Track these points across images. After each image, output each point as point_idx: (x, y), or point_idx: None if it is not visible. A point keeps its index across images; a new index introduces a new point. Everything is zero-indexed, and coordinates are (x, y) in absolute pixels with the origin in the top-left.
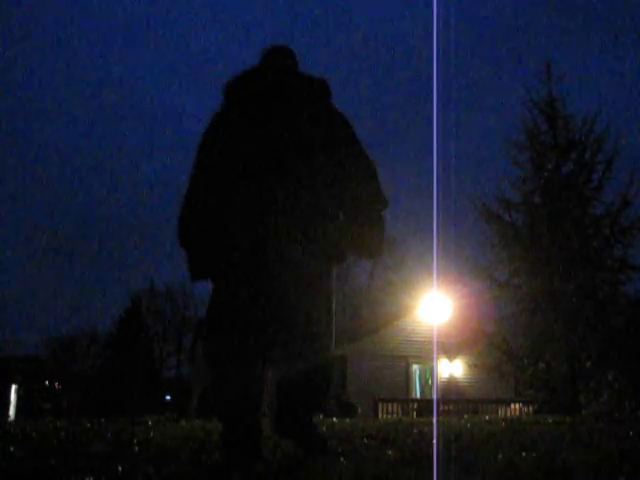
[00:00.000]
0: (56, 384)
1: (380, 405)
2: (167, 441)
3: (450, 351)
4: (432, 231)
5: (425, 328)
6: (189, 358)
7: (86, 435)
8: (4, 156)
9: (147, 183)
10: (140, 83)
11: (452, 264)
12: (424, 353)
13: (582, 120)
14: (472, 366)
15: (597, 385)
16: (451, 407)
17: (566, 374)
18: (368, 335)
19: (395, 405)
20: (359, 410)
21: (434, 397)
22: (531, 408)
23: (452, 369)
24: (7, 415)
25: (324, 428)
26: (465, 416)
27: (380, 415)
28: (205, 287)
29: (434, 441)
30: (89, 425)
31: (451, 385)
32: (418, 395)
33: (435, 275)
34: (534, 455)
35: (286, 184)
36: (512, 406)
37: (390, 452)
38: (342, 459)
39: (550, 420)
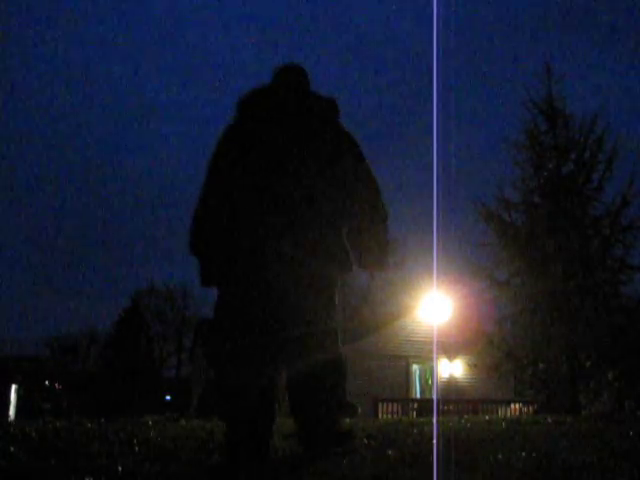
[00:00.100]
0: (56, 384)
1: (380, 405)
2: (167, 441)
3: (450, 351)
4: (432, 231)
5: (425, 328)
6: (189, 358)
7: (86, 435)
8: (4, 156)
9: (147, 183)
10: (144, 82)
11: (452, 264)
12: (424, 353)
13: (582, 120)
14: (472, 366)
15: (597, 385)
16: (451, 407)
17: (566, 374)
18: (368, 335)
19: (395, 405)
20: (359, 410)
21: (434, 397)
22: (531, 408)
23: (452, 369)
24: (7, 415)
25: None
26: (465, 416)
27: (380, 415)
28: (206, 288)
29: (434, 441)
30: (89, 425)
31: (451, 385)
32: (418, 395)
33: (435, 275)
34: (534, 455)
35: (294, 198)
36: (512, 406)
37: (390, 452)
38: (342, 459)
39: (550, 420)
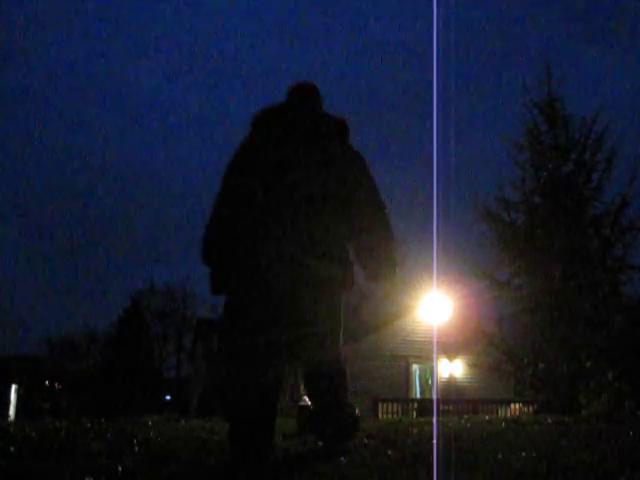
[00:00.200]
0: (56, 384)
1: (380, 405)
2: (167, 441)
3: (450, 351)
4: (432, 231)
5: (425, 328)
6: (189, 358)
7: (86, 435)
8: (4, 155)
9: (147, 183)
10: (145, 81)
11: (452, 264)
12: (424, 353)
13: (582, 120)
14: (472, 366)
15: (597, 385)
16: (451, 407)
17: (566, 374)
18: (368, 335)
19: (395, 405)
20: (357, 411)
21: (434, 397)
22: (531, 408)
23: (452, 369)
24: (7, 415)
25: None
26: (465, 416)
27: (380, 415)
28: (205, 287)
29: (434, 441)
30: (89, 425)
31: (451, 385)
32: (418, 395)
33: (435, 275)
34: (534, 455)
35: (303, 214)
36: (512, 406)
37: (390, 452)
38: (342, 459)
39: (550, 420)
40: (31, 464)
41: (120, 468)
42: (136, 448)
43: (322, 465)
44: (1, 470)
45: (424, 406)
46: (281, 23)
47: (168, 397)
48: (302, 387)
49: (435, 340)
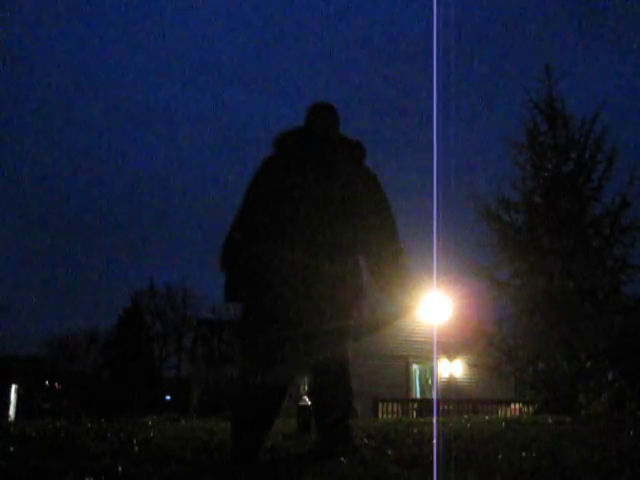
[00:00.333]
0: (56, 384)
1: (380, 405)
2: (167, 441)
3: (450, 351)
4: (432, 231)
5: (425, 328)
6: (189, 358)
7: (86, 435)
8: (4, 155)
9: (148, 183)
10: (145, 83)
11: (452, 264)
12: (424, 353)
13: (582, 120)
14: (472, 366)
15: (597, 385)
16: (451, 407)
17: (566, 374)
18: (368, 335)
19: (395, 405)
20: (358, 410)
21: (434, 397)
22: (531, 408)
23: (452, 369)
24: (7, 415)
25: None
26: (465, 416)
27: (380, 415)
28: (205, 287)
29: (434, 441)
30: (89, 425)
31: (451, 385)
32: (418, 395)
33: (435, 275)
34: (534, 455)
35: (318, 228)
36: (512, 406)
37: (390, 452)
38: (342, 459)
39: (550, 420)
40: (31, 464)
41: (120, 468)
42: (136, 448)
43: (322, 465)
44: (1, 470)
45: (424, 406)
46: (281, 23)
47: (168, 397)
48: (302, 387)
49: (435, 340)
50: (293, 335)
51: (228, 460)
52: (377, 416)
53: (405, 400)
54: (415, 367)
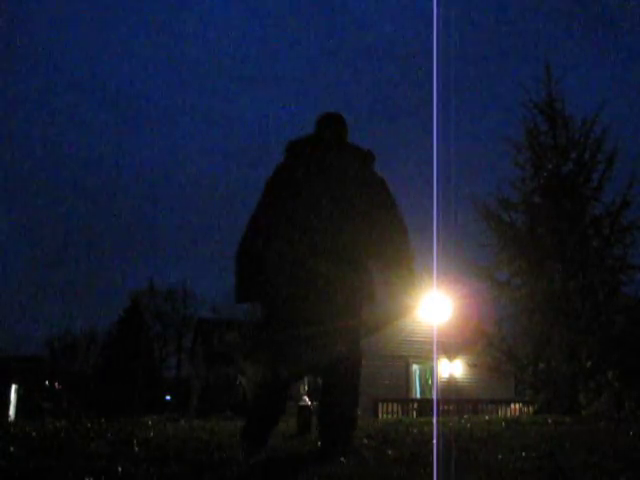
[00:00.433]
0: (56, 384)
1: (380, 405)
2: (167, 441)
3: (450, 351)
4: (432, 231)
5: (425, 328)
6: (189, 358)
7: (86, 435)
8: (4, 155)
9: (147, 182)
10: (141, 80)
11: (452, 264)
12: (424, 353)
13: (582, 120)
14: (472, 366)
15: (597, 385)
16: (451, 407)
17: (566, 374)
18: (368, 335)
19: (395, 405)
20: (359, 411)
21: (434, 397)
22: (531, 408)
23: (452, 369)
24: (7, 415)
25: None
26: (465, 416)
27: (380, 415)
28: (205, 287)
29: (434, 441)
30: (89, 425)
31: (451, 385)
32: (418, 395)
33: (435, 275)
34: (534, 455)
35: (331, 234)
36: (512, 406)
37: (390, 452)
38: (342, 459)
39: (550, 420)
40: (31, 464)
41: (120, 468)
42: (136, 448)
43: (322, 465)
44: (1, 470)
45: (424, 406)
46: (281, 24)
47: (168, 397)
48: (302, 387)
49: (435, 340)
50: (303, 334)
51: (238, 449)
52: (377, 416)
53: (405, 400)
54: (415, 367)
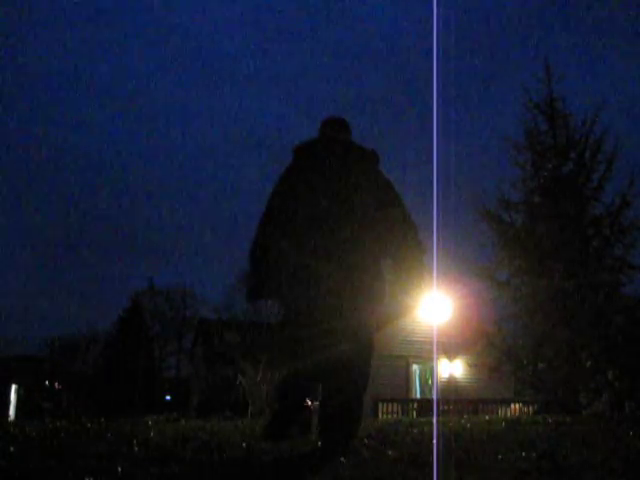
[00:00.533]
0: (56, 384)
1: (380, 405)
2: (167, 441)
3: (450, 351)
4: (432, 231)
5: (425, 328)
6: (189, 358)
7: (86, 435)
8: (5, 156)
9: (147, 182)
10: (143, 81)
11: (452, 264)
12: (424, 353)
13: (582, 120)
14: (472, 366)
15: (597, 385)
16: (451, 407)
17: (566, 374)
18: None
19: (395, 405)
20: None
21: (434, 397)
22: (531, 408)
23: (452, 369)
24: (7, 415)
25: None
26: (465, 416)
27: (380, 415)
28: (205, 287)
29: (434, 441)
30: (89, 425)
31: (451, 385)
32: (418, 395)
33: (435, 275)
34: (534, 455)
35: (339, 236)
36: (512, 406)
37: (390, 452)
38: (342, 459)
39: (550, 420)
40: (31, 464)
41: (120, 468)
42: (136, 448)
43: (322, 465)
44: (1, 470)
45: (424, 406)
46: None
47: (168, 397)
48: None
49: (435, 340)
50: (315, 335)
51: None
52: (377, 416)
53: (405, 400)
54: (415, 367)
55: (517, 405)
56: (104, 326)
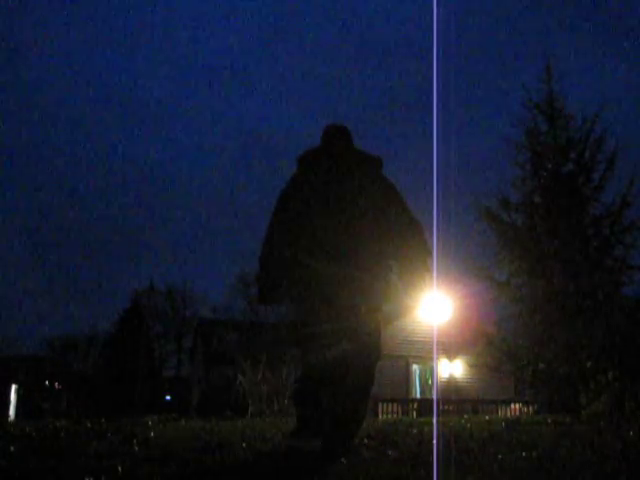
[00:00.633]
0: (56, 384)
1: (380, 405)
2: (167, 441)
3: (450, 351)
4: (432, 231)
5: (425, 328)
6: (189, 358)
7: (86, 435)
8: (5, 156)
9: (148, 183)
10: (148, 80)
11: (452, 264)
12: (424, 353)
13: (582, 120)
14: (472, 366)
15: (597, 385)
16: (451, 407)
17: (566, 374)
18: None
19: (395, 405)
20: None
21: (434, 397)
22: (531, 408)
23: (452, 369)
24: (7, 415)
25: None
26: (465, 416)
27: (380, 415)
28: (204, 287)
29: (434, 441)
30: (89, 425)
31: (451, 385)
32: (418, 395)
33: (435, 275)
34: (534, 455)
35: (346, 240)
36: (512, 406)
37: (390, 452)
38: (342, 459)
39: (550, 420)
40: (31, 464)
41: (120, 468)
42: (136, 448)
43: (322, 465)
44: (1, 470)
45: (424, 406)
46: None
47: (168, 397)
48: None
49: (435, 340)
50: (325, 334)
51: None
52: (377, 416)
53: (405, 400)
54: (415, 367)
55: (517, 405)
56: (104, 326)
